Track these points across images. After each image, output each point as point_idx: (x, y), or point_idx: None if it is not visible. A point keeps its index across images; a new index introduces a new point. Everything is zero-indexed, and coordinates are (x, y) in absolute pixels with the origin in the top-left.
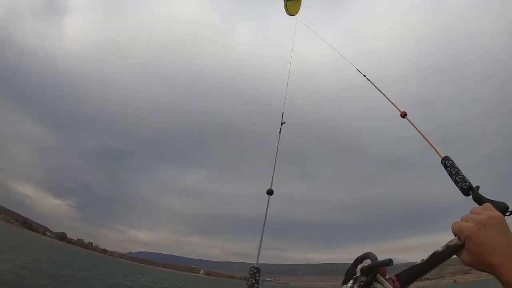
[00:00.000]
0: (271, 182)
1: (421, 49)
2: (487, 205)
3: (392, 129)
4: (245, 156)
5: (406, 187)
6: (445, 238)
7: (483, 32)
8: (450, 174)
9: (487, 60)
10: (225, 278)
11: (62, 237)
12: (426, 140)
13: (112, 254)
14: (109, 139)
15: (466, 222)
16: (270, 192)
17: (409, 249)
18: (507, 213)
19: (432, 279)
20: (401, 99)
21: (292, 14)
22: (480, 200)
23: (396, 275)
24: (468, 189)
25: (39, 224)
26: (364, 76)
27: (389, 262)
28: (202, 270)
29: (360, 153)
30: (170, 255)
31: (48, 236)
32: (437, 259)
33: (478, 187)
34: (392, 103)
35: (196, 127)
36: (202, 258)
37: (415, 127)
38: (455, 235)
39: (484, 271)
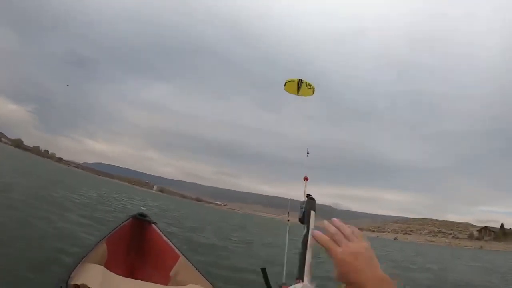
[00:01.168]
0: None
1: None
2: (355, 230)
3: (363, 80)
4: (212, 76)
5: (364, 138)
6: (384, 195)
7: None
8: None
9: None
10: (177, 196)
11: (18, 143)
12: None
13: (68, 163)
14: (73, 44)
15: (338, 245)
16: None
17: (353, 198)
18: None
19: (374, 231)
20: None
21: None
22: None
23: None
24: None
25: None
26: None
27: (264, 270)
28: (155, 187)
29: (329, 96)
30: (126, 168)
31: (3, 142)
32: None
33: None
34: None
35: (167, 42)
36: (156, 174)
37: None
38: (321, 246)
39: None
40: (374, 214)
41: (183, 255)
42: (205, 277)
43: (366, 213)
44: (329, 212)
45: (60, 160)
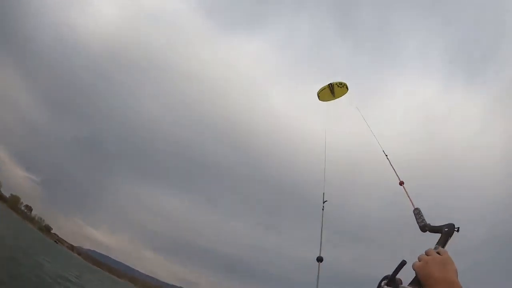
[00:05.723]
0: (320, 249)
1: None
2: (439, 249)
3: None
4: (225, 195)
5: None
6: None
7: None
8: (416, 219)
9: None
10: None
11: (15, 201)
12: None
13: (59, 240)
14: (98, 133)
15: (419, 261)
16: (319, 260)
17: None
18: (455, 229)
19: None
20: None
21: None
22: (433, 230)
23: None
24: (424, 226)
25: None
26: (386, 156)
27: (404, 262)
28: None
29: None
30: (118, 261)
31: None
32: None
33: (429, 224)
34: (395, 172)
35: (191, 162)
36: (148, 273)
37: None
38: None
39: None
40: None
41: None
42: None
43: None
44: None
45: (50, 233)
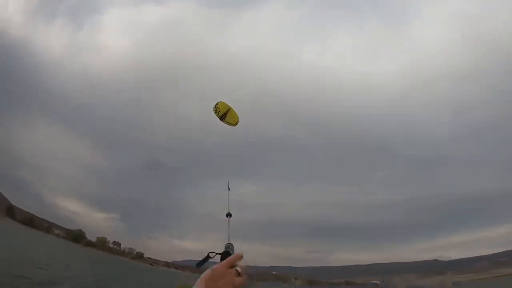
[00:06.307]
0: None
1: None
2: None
3: (421, 127)
4: (290, 169)
5: (442, 186)
6: (488, 233)
7: None
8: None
9: None
10: (271, 281)
11: (103, 242)
12: None
13: (155, 262)
14: (155, 154)
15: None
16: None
17: (453, 246)
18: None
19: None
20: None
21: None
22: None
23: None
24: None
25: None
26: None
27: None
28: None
29: (393, 155)
30: (216, 262)
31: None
32: None
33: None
34: None
35: (251, 145)
36: (248, 264)
37: None
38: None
39: None
40: (487, 255)
41: None
42: None
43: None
44: (437, 266)
45: (140, 256)
